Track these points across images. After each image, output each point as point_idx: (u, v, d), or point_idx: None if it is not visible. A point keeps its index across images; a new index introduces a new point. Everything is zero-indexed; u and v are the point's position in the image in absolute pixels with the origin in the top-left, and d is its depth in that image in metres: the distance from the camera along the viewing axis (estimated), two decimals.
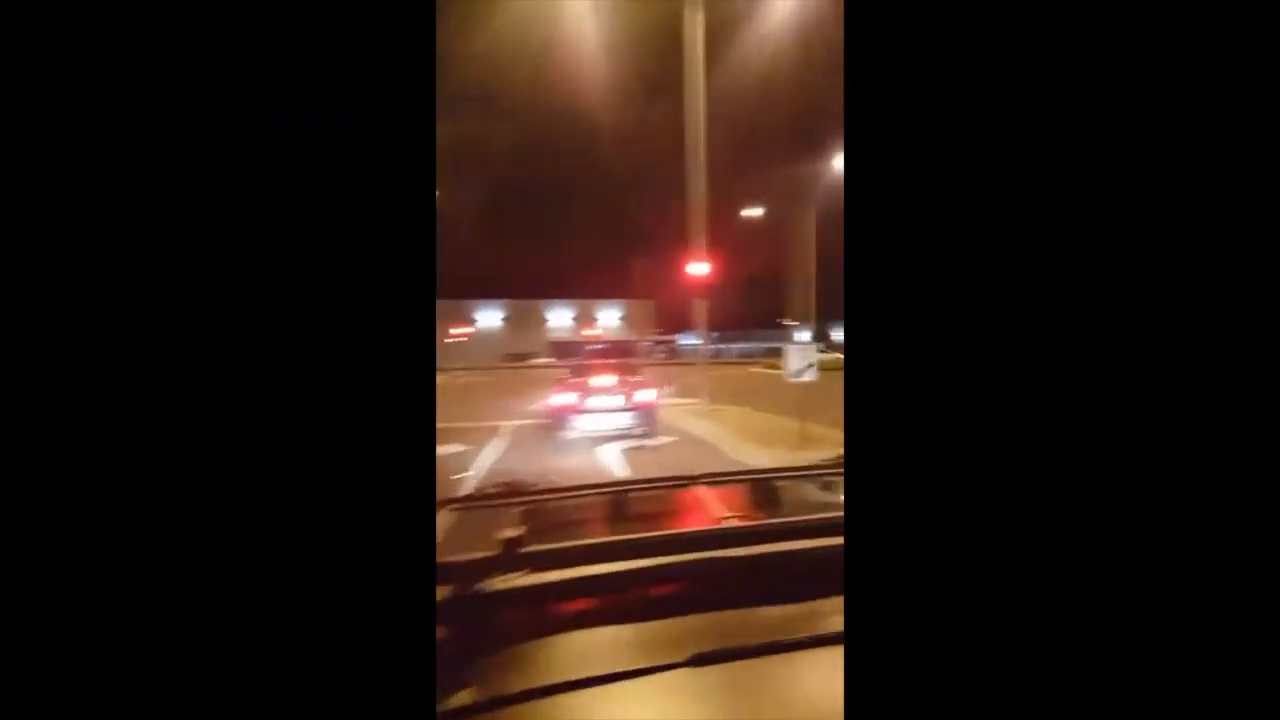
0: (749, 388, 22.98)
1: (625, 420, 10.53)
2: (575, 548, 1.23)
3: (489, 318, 64.92)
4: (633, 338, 59.26)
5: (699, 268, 16.19)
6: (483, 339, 62.30)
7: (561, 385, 10.97)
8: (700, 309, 16.92)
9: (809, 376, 9.53)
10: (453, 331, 53.70)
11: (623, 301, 66.66)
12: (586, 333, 62.93)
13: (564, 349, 58.29)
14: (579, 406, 10.43)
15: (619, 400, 10.62)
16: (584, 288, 65.70)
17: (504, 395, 21.82)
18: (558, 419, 10.47)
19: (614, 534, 1.53)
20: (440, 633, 1.03)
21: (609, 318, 66.96)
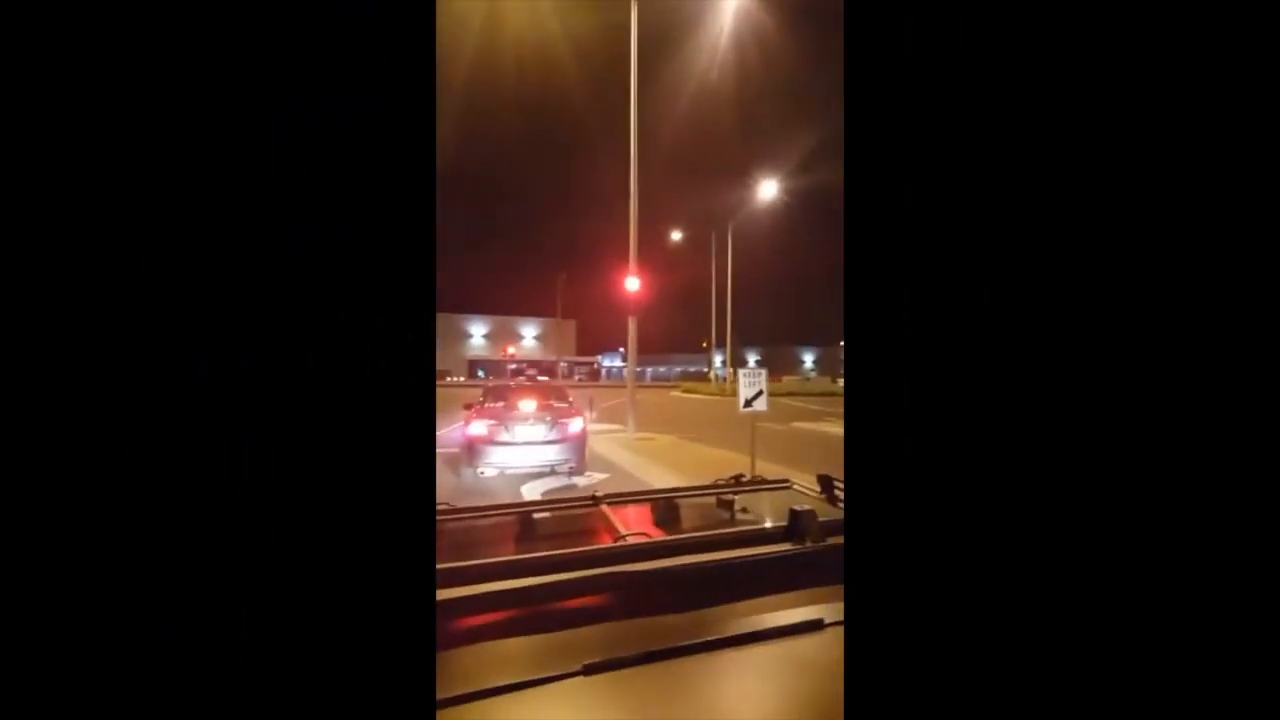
0: (674, 413, 22.64)
1: (551, 454, 9.14)
2: (483, 565, 1.28)
3: None
4: (552, 358, 59.07)
5: (632, 283, 15.51)
6: None
7: (476, 411, 9.56)
8: (631, 327, 16.01)
9: (760, 406, 8.29)
10: None
11: (541, 320, 66.22)
12: (510, 350, 62.59)
13: (484, 369, 58.25)
14: (497, 437, 9.02)
15: (543, 430, 9.20)
16: (502, 303, 65.42)
17: None
18: (472, 451, 9.00)
19: (521, 552, 1.58)
20: None
21: (528, 336, 66.64)
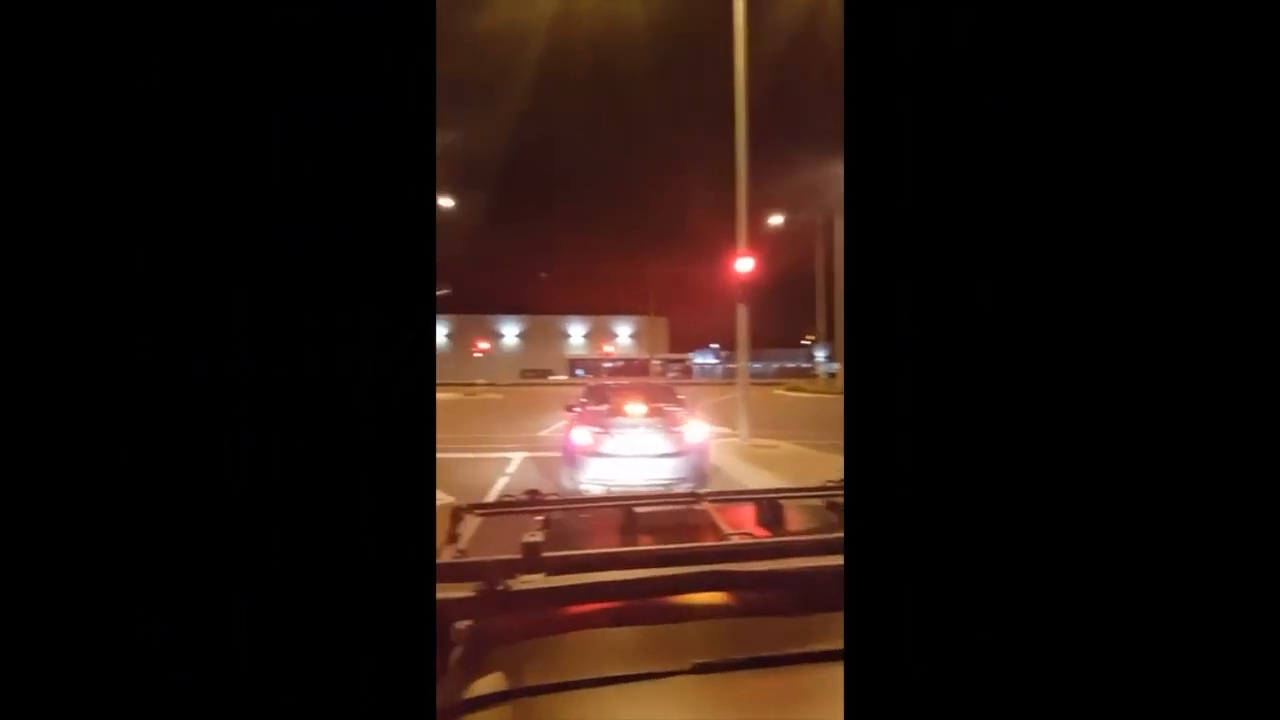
0: (784, 414, 21.00)
1: (666, 469, 7.25)
2: (591, 555, 1.27)
3: (510, 332, 65.42)
4: (644, 356, 58.91)
5: (744, 264, 12.97)
6: (502, 354, 62.84)
7: (578, 415, 8.07)
8: (741, 316, 13.68)
9: None
10: (481, 346, 54.09)
11: (635, 318, 66.43)
12: (607, 349, 62.82)
13: (582, 367, 58.40)
14: (602, 447, 7.38)
15: (657, 440, 7.45)
16: (600, 303, 65.89)
17: (518, 414, 21.10)
18: (573, 462, 7.50)
19: (625, 545, 1.59)
20: (465, 624, 1.09)
21: (622, 334, 66.95)
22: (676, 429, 7.57)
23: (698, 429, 7.85)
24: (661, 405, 8.13)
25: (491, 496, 7.68)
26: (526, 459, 11.23)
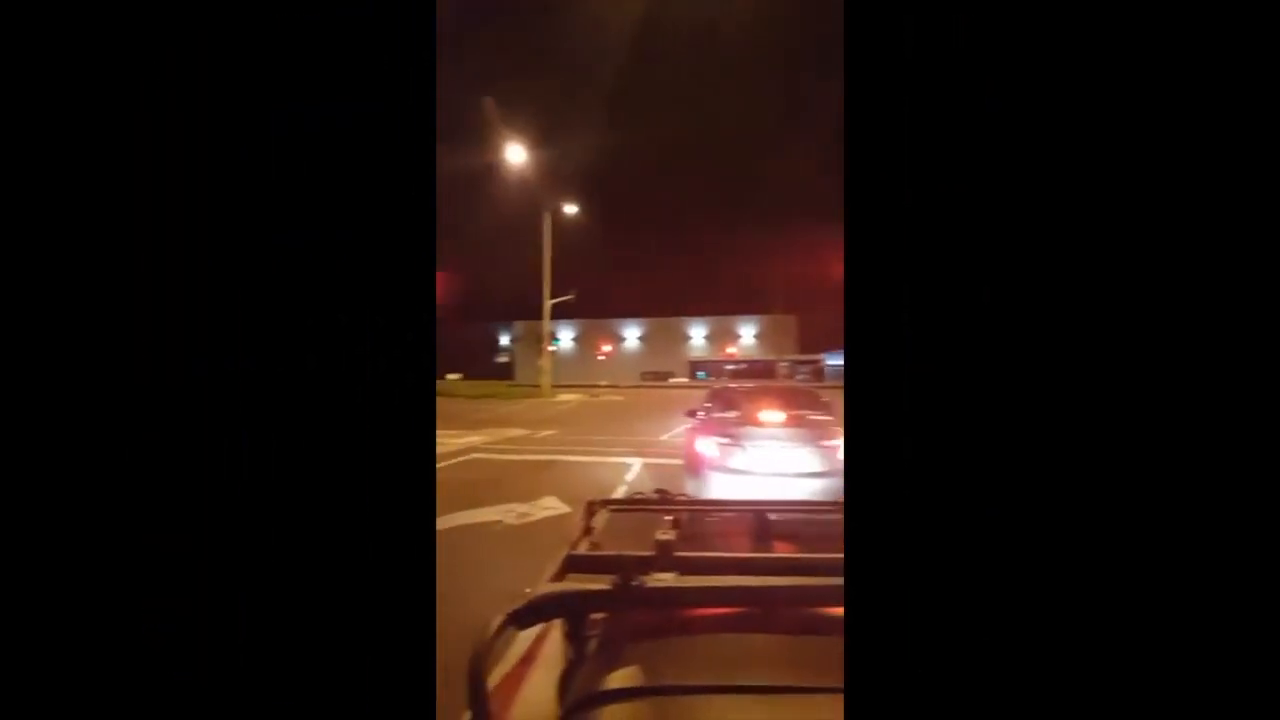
0: None
1: (813, 493, 5.60)
2: (724, 558, 1.24)
3: (632, 335, 65.61)
4: (771, 357, 57.52)
5: None
6: (624, 357, 63.12)
7: (704, 424, 6.64)
8: None
9: None
10: (604, 349, 54.64)
11: (760, 317, 65.02)
12: (730, 350, 61.65)
13: (704, 369, 57.59)
14: (732, 463, 6.02)
15: (802, 455, 5.99)
16: (722, 303, 64.61)
17: (637, 417, 20.72)
18: (699, 479, 6.13)
19: (759, 551, 1.57)
20: (601, 617, 1.12)
21: (746, 335, 65.38)
22: (825, 443, 6.03)
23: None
24: (805, 413, 6.62)
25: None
26: (645, 465, 10.80)
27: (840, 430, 6.09)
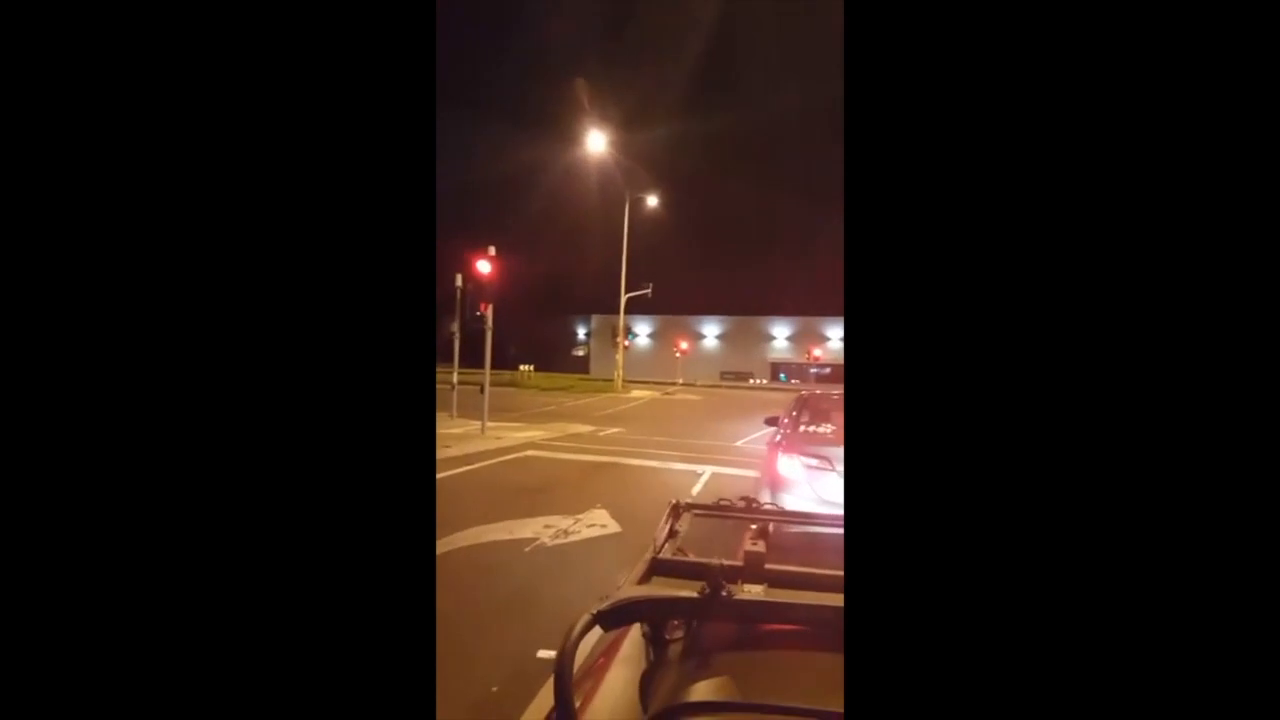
0: None
1: None
2: (816, 574, 1.20)
3: (710, 333, 64.29)
4: None
5: None
6: (701, 355, 61.73)
7: (788, 439, 5.46)
8: None
9: None
10: (681, 346, 53.46)
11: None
12: (815, 353, 58.89)
13: (785, 372, 55.78)
14: (820, 489, 4.99)
15: None
16: (808, 304, 62.17)
17: (711, 418, 19.45)
18: (777, 496, 5.01)
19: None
20: (689, 622, 1.11)
21: (834, 337, 62.33)
22: None
23: None
24: None
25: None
26: (715, 475, 9.77)
27: None
